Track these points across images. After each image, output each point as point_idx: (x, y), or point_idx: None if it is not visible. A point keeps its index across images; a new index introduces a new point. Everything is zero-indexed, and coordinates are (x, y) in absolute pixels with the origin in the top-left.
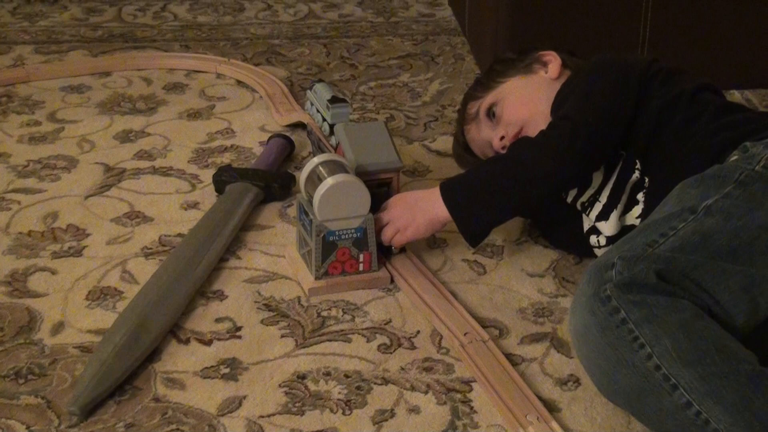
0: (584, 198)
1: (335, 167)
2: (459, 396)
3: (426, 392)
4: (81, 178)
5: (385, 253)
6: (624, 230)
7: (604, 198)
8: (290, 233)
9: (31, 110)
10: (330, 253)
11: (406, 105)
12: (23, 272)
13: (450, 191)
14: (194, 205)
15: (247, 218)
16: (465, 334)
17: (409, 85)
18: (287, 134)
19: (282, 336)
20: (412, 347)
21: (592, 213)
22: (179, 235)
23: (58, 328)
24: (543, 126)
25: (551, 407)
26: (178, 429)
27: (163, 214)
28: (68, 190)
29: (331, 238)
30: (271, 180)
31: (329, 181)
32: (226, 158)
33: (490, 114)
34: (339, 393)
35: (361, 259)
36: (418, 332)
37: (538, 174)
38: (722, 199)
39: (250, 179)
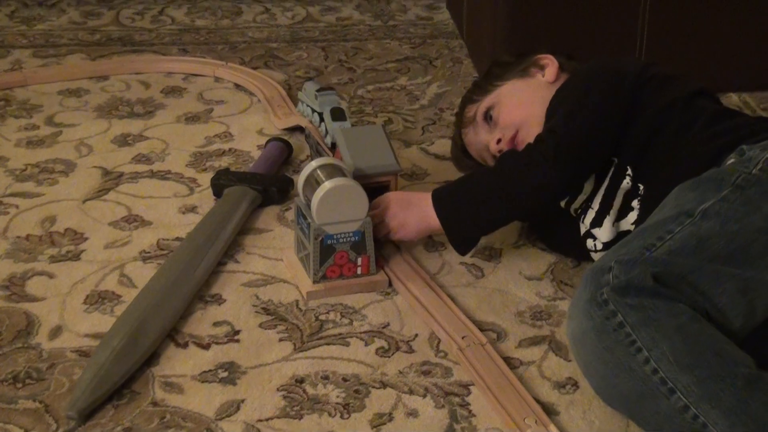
0: (576, 204)
1: (333, 171)
2: (457, 399)
3: (424, 396)
4: (79, 182)
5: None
6: (620, 236)
7: (596, 205)
8: (288, 237)
9: (29, 114)
10: (328, 256)
11: (404, 108)
12: (21, 276)
13: (441, 201)
14: (192, 209)
15: (245, 222)
16: (463, 338)
17: (407, 88)
18: (285, 138)
19: (280, 340)
20: (411, 351)
21: (586, 219)
22: (177, 238)
23: (56, 332)
24: (538, 129)
25: (549, 410)
26: None
27: (161, 218)
28: (66, 194)
29: (329, 242)
30: (269, 183)
31: (327, 185)
32: (224, 162)
33: (488, 117)
34: (337, 397)
35: (359, 262)
36: (416, 336)
37: (525, 188)
38: (719, 202)
39: (248, 183)
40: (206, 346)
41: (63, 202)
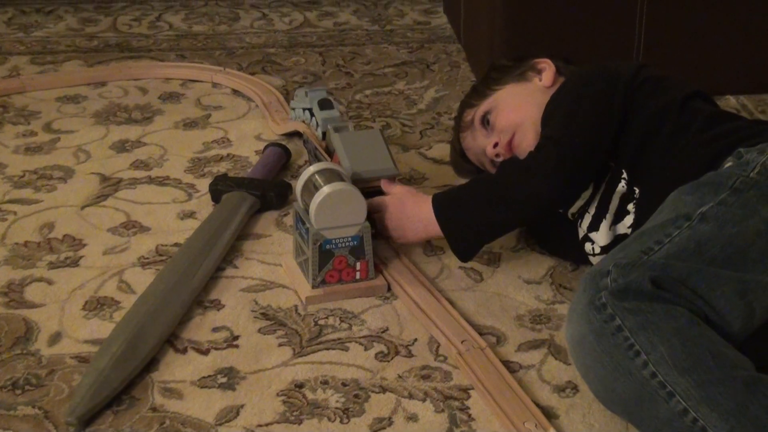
0: (574, 209)
1: (331, 176)
2: (457, 403)
3: (424, 400)
4: (77, 188)
5: None
6: (617, 239)
7: (592, 209)
8: (287, 242)
9: (27, 121)
10: (327, 261)
11: (402, 113)
12: (20, 283)
13: (443, 209)
14: (191, 215)
15: (243, 227)
16: (462, 342)
17: (404, 92)
18: (283, 143)
19: (279, 345)
20: (410, 355)
21: (583, 223)
22: (176, 244)
23: (55, 338)
24: (534, 133)
25: (549, 414)
26: None
27: (160, 224)
28: (64, 200)
29: (327, 247)
30: (268, 189)
31: (326, 190)
32: (222, 167)
33: (485, 122)
34: (336, 401)
35: (358, 267)
36: (416, 340)
37: (528, 198)
38: (717, 205)
39: (247, 188)
40: (205, 352)
41: (61, 209)
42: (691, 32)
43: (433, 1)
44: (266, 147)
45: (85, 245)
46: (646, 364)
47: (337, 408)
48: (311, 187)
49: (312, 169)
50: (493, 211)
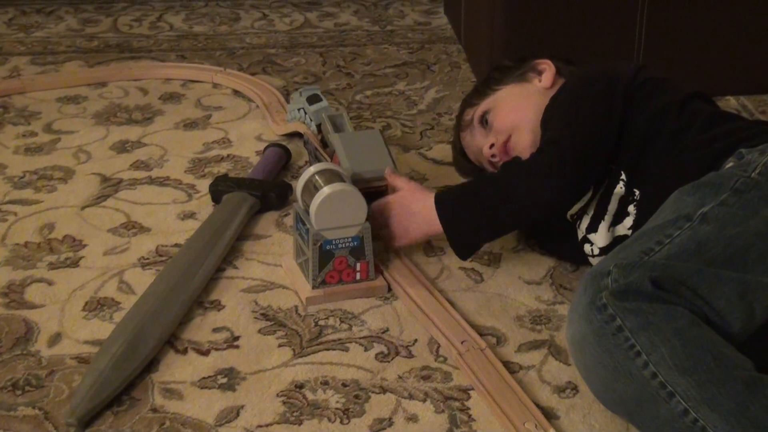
0: (573, 211)
1: (332, 176)
2: (457, 404)
3: (424, 400)
4: (77, 188)
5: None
6: (616, 241)
7: (591, 210)
8: (287, 242)
9: (27, 121)
10: (327, 262)
11: (403, 113)
12: (20, 283)
13: (444, 206)
14: (191, 215)
15: (243, 228)
16: (462, 342)
17: (405, 93)
18: (284, 143)
19: (279, 345)
20: (410, 356)
21: (582, 225)
22: (176, 245)
23: (55, 339)
24: (530, 136)
25: (549, 415)
26: None
27: (160, 225)
28: (64, 200)
29: (328, 247)
30: (268, 189)
31: (326, 191)
32: (222, 168)
33: (483, 121)
34: (337, 402)
35: (358, 267)
36: (416, 341)
37: (531, 201)
38: (718, 206)
39: (247, 189)
40: (205, 352)
41: (61, 209)
42: (691, 33)
43: (434, 2)
44: (267, 147)
45: (85, 246)
46: (646, 364)
47: (337, 408)
48: (311, 188)
49: (312, 169)
50: (495, 212)
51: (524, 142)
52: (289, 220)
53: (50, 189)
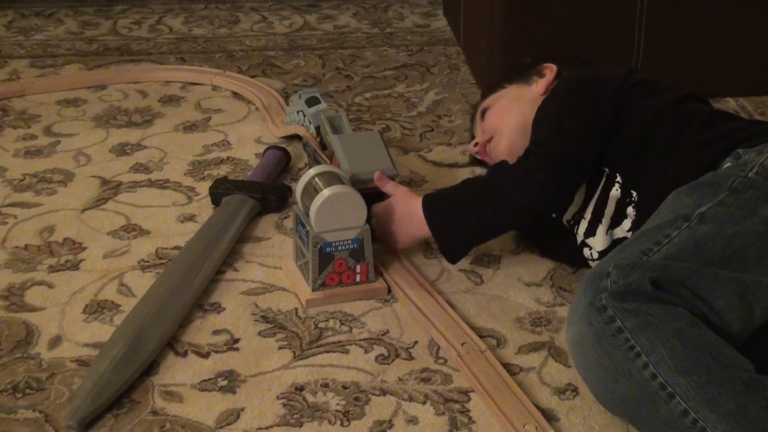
0: (569, 216)
1: (331, 179)
2: (457, 406)
3: (424, 403)
4: (77, 191)
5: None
6: (615, 244)
7: (588, 215)
8: (287, 245)
9: (27, 124)
10: (327, 264)
11: (402, 115)
12: (20, 286)
13: (432, 210)
14: (191, 218)
15: (243, 230)
16: (463, 344)
17: (404, 95)
18: (283, 146)
19: (279, 348)
20: (410, 358)
21: (579, 230)
22: (176, 247)
23: (56, 342)
24: (506, 141)
25: (549, 416)
26: None
27: (160, 227)
28: (64, 203)
29: (327, 250)
30: (268, 192)
31: (326, 193)
32: (222, 170)
33: (483, 116)
34: (337, 404)
35: (358, 270)
36: (416, 343)
37: (516, 203)
38: (716, 206)
39: (247, 191)
40: (206, 355)
41: (61, 212)
42: (690, 34)
43: (433, 4)
44: (266, 150)
45: (85, 248)
46: (646, 365)
47: (337, 411)
48: (311, 190)
49: (312, 172)
50: (482, 215)
51: (501, 146)
52: (289, 223)
53: (50, 192)
